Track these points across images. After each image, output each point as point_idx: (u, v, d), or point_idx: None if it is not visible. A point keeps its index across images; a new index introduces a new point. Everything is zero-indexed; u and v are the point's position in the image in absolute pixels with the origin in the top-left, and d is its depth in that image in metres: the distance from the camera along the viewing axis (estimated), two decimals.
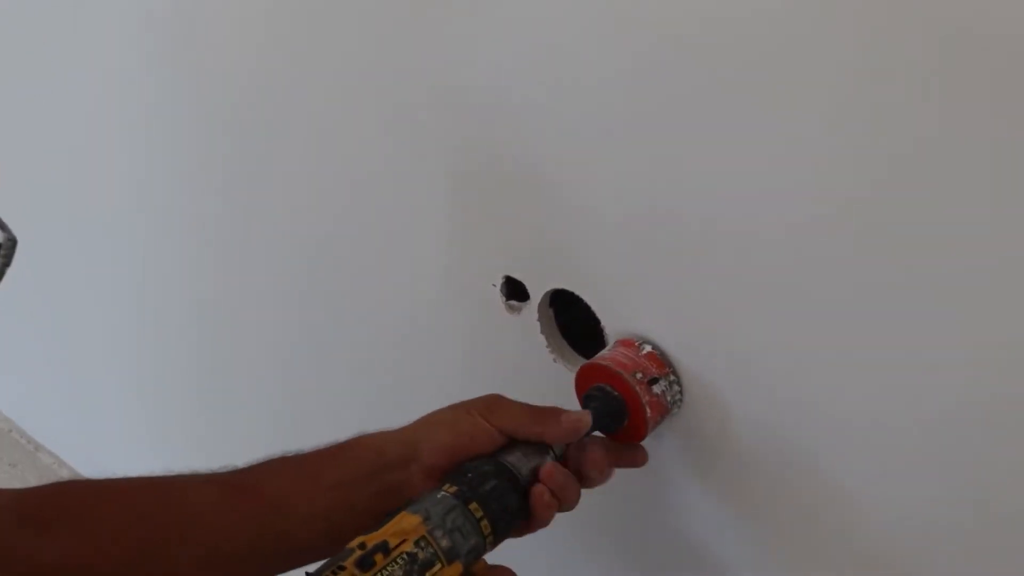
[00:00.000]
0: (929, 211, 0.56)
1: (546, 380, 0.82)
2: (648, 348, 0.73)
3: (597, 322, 0.77)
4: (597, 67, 0.66)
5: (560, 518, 0.68)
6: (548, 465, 0.67)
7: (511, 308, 0.83)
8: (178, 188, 1.13)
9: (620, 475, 0.79)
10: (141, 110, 1.10)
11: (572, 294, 0.78)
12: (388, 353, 1.00)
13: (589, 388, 0.74)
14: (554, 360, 0.82)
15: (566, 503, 0.67)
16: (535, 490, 0.66)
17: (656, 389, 0.72)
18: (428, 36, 0.75)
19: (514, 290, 0.83)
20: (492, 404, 0.69)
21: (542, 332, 0.82)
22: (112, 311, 1.40)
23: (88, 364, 1.56)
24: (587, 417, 0.69)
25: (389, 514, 0.62)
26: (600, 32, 0.65)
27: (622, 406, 0.72)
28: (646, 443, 0.74)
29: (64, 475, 1.80)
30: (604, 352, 0.75)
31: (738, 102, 0.61)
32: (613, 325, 0.76)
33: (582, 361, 0.79)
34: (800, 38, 0.57)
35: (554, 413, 0.69)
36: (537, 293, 0.80)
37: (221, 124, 1.02)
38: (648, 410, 0.72)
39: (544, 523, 0.67)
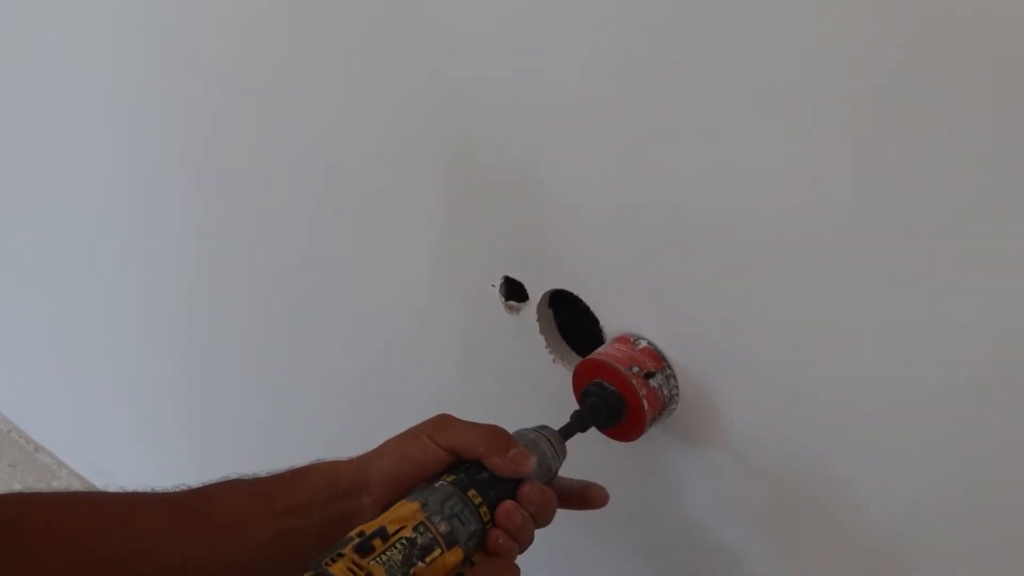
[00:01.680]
0: (928, 198, 0.56)
1: (545, 380, 0.83)
2: (644, 344, 0.74)
3: (596, 321, 0.77)
4: (589, 65, 0.66)
5: (562, 513, 0.68)
6: (507, 504, 0.64)
7: (510, 308, 0.83)
8: (174, 190, 1.13)
9: (619, 471, 0.80)
10: (132, 105, 1.09)
11: (571, 294, 0.78)
12: (386, 354, 1.00)
13: (587, 384, 0.74)
14: (553, 360, 0.82)
15: (523, 543, 0.66)
16: (492, 534, 0.64)
17: (653, 384, 0.73)
18: (426, 36, 0.75)
19: (513, 290, 0.83)
20: (440, 424, 0.69)
21: (541, 332, 0.82)
22: (110, 312, 1.40)
23: (87, 365, 1.56)
24: (531, 462, 0.67)
25: (387, 505, 0.63)
26: (593, 30, 0.65)
27: (620, 401, 0.73)
28: (644, 439, 0.74)
29: (63, 475, 1.81)
30: (601, 348, 0.75)
31: (732, 98, 0.61)
32: (612, 323, 0.76)
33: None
34: (788, 30, 0.56)
35: (503, 440, 0.67)
36: (536, 293, 0.81)
37: (213, 121, 1.01)
38: (646, 405, 0.72)
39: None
